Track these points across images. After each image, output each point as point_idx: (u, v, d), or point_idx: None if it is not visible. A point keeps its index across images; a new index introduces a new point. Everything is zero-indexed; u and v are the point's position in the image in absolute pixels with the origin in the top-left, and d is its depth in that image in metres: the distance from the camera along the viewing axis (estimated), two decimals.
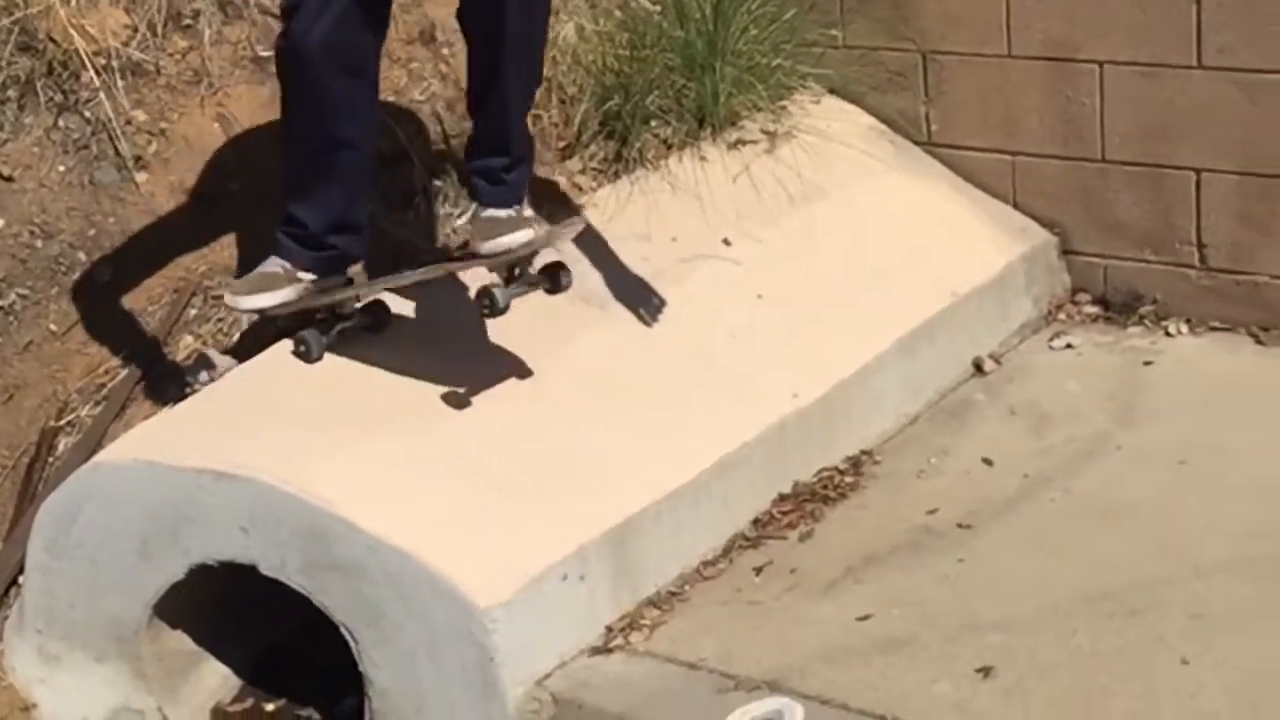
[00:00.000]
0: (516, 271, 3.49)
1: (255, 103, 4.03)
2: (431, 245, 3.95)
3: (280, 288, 3.51)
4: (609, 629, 3.34)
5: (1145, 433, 3.84)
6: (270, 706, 3.57)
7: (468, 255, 3.57)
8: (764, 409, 3.71)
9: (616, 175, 4.16)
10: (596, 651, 3.29)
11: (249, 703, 3.59)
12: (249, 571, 3.33)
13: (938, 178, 4.50)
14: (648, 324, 3.79)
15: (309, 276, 3.54)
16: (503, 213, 3.47)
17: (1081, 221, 4.40)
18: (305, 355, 3.53)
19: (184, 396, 3.57)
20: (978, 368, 4.22)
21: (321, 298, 3.57)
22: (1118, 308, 4.38)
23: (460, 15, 3.49)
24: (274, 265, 3.53)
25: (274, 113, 4.01)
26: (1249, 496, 3.51)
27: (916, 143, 4.57)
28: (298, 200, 3.53)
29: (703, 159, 4.26)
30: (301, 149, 3.52)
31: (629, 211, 4.07)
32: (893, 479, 3.81)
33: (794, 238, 4.14)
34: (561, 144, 4.17)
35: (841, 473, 3.82)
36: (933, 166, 4.54)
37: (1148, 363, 4.14)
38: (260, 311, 3.54)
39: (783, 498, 3.71)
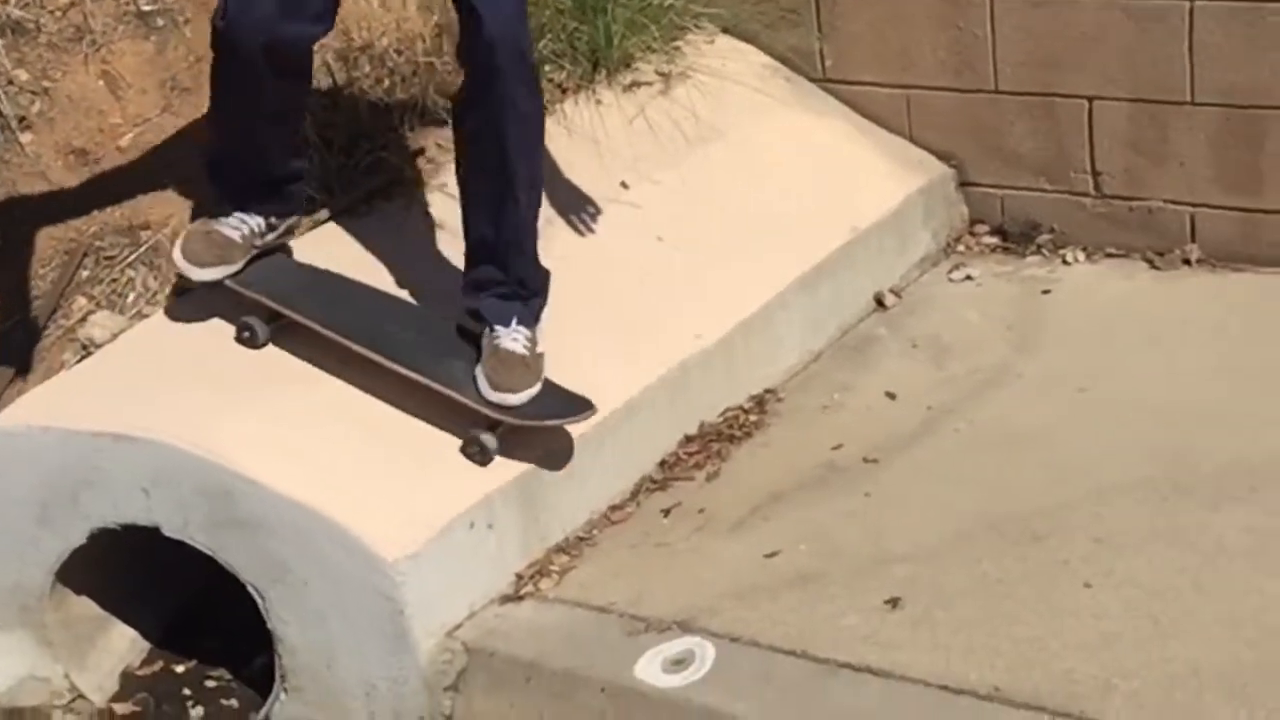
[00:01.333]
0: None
1: (140, 59, 3.96)
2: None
3: (237, 260, 3.40)
4: (519, 576, 3.34)
5: (1045, 360, 3.88)
6: (180, 669, 3.54)
7: (476, 391, 3.30)
8: (666, 351, 3.71)
9: None
10: (507, 600, 3.29)
11: (158, 666, 3.56)
12: (154, 534, 3.29)
13: (834, 114, 4.50)
14: (553, 269, 3.78)
15: (261, 234, 3.43)
16: (516, 347, 3.31)
17: (977, 153, 4.42)
18: (250, 341, 3.42)
19: (79, 360, 3.52)
20: (879, 302, 4.24)
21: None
22: (1015, 238, 4.41)
23: (457, 135, 3.40)
24: (226, 228, 3.40)
25: (160, 68, 3.96)
26: (1147, 420, 3.55)
27: (812, 80, 4.56)
28: (231, 159, 3.41)
29: (598, 102, 4.24)
30: (229, 124, 3.39)
31: None
32: (797, 416, 3.83)
33: (692, 179, 4.12)
34: (453, 90, 4.12)
35: (746, 412, 3.83)
36: (828, 103, 4.54)
37: (1046, 291, 4.18)
38: (215, 282, 3.41)
39: (689, 439, 3.71)
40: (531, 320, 3.39)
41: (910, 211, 4.34)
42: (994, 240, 4.44)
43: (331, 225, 3.76)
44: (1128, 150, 4.19)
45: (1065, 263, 4.29)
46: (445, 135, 3.93)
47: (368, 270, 3.64)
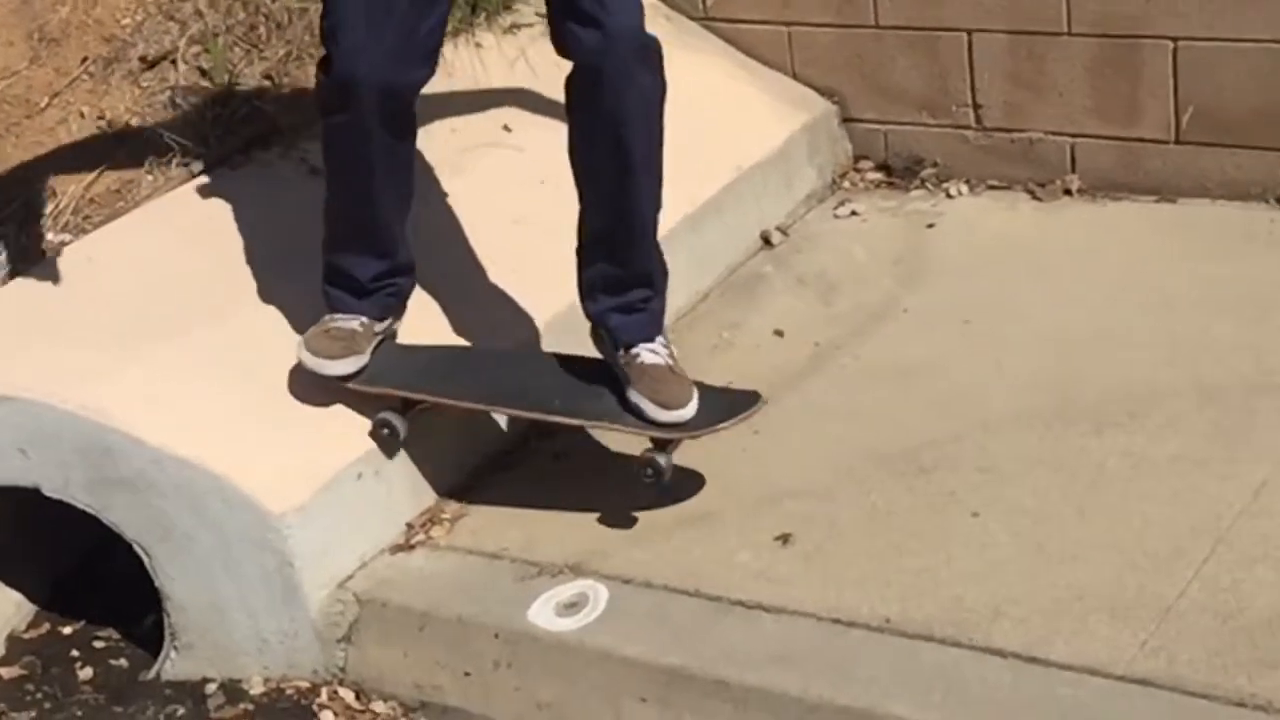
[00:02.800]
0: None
1: (6, 9, 3.87)
2: None
3: (364, 349, 3.24)
4: (410, 525, 3.32)
5: (931, 294, 3.90)
6: (68, 630, 3.49)
7: (637, 417, 3.16)
8: (552, 295, 3.68)
9: None
10: (398, 549, 3.27)
11: (45, 628, 3.50)
12: (35, 495, 3.23)
13: (716, 52, 4.48)
14: (432, 216, 3.74)
15: (376, 324, 3.30)
16: (659, 359, 3.18)
17: (860, 88, 4.42)
18: (392, 438, 3.24)
19: None
20: (765, 240, 4.24)
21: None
22: (899, 172, 4.42)
23: (574, 154, 3.21)
24: (346, 320, 3.26)
25: (26, 19, 3.87)
26: (1031, 350, 3.58)
27: (693, 18, 4.54)
28: (342, 253, 3.28)
29: (478, 45, 4.19)
30: (345, 201, 3.25)
31: None
32: (686, 355, 3.79)
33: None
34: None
35: None
36: (711, 41, 4.52)
37: (930, 225, 4.20)
38: (350, 377, 3.24)
39: None
40: (660, 324, 3.26)
41: (794, 149, 4.34)
42: (878, 176, 4.45)
43: (208, 177, 3.70)
44: (1007, 83, 4.21)
45: (949, 196, 4.31)
46: None
47: (249, 222, 3.58)
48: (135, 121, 3.79)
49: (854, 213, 4.32)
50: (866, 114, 4.44)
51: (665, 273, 3.31)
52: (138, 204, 3.63)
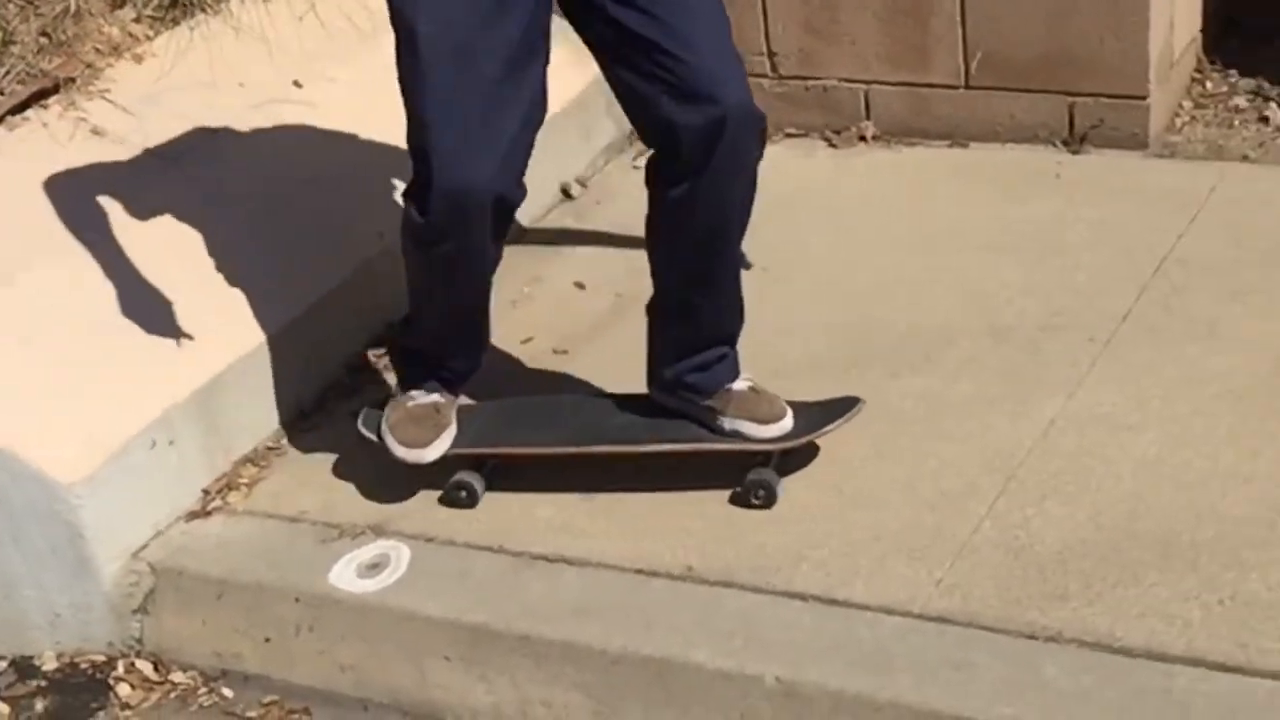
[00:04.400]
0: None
1: None
2: None
3: (450, 420, 3.11)
4: (206, 492, 3.25)
5: None
6: None
7: (738, 439, 3.03)
8: (350, 252, 3.63)
9: (175, 22, 3.96)
10: (194, 516, 3.21)
11: None
12: None
13: None
14: (222, 175, 3.65)
15: (450, 387, 3.16)
16: (744, 385, 3.05)
17: None
18: (470, 500, 3.12)
19: None
20: (565, 192, 4.22)
21: None
22: None
23: (663, 230, 2.99)
24: (423, 397, 3.12)
25: None
26: (827, 296, 3.62)
27: None
28: (443, 350, 3.13)
29: None
30: (444, 312, 3.08)
31: (191, 59, 3.88)
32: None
33: (368, 75, 4.01)
34: None
35: None
36: None
37: None
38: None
39: (377, 340, 3.64)
40: (738, 364, 3.11)
41: (592, 99, 4.30)
42: None
43: None
44: (801, 31, 4.23)
45: None
46: (103, 38, 3.77)
47: (28, 183, 3.46)
48: None
49: None
50: None
51: (743, 321, 3.12)
52: None
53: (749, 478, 3.02)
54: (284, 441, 3.39)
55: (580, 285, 3.85)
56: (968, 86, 4.10)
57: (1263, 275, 3.45)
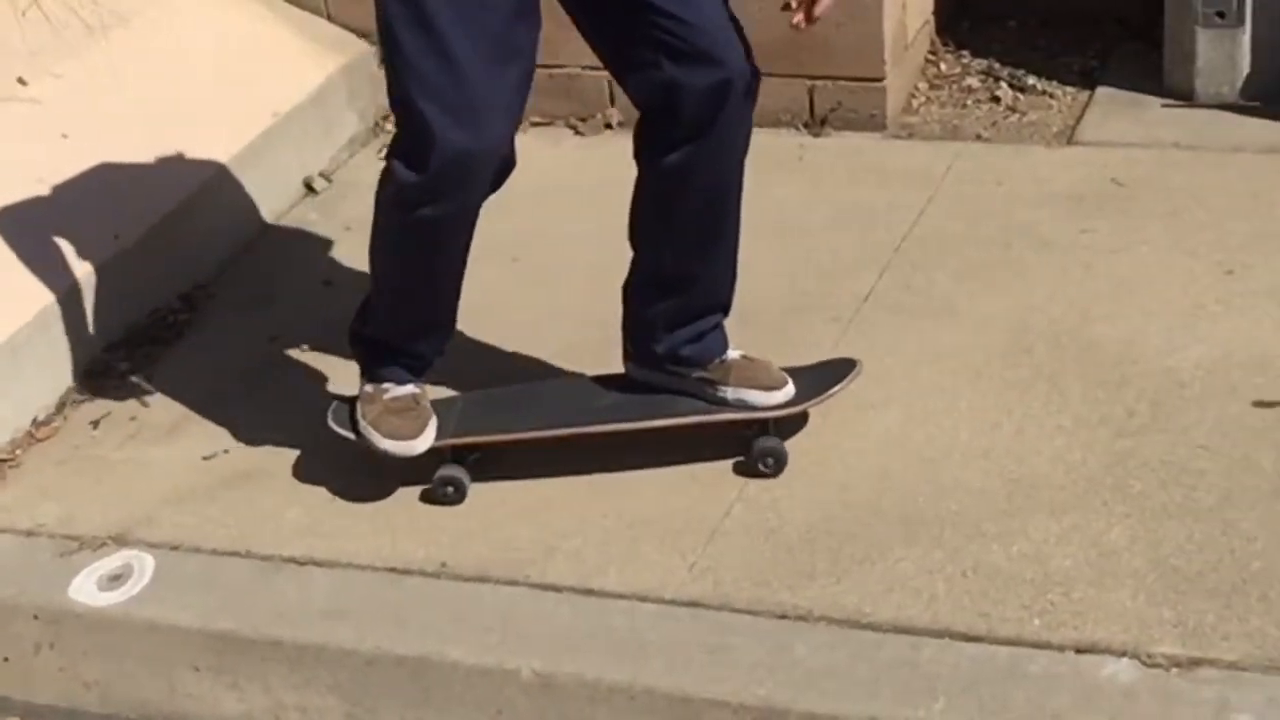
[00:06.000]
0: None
1: None
2: None
3: (430, 411, 2.97)
4: None
5: (479, 233, 3.85)
6: None
7: (742, 409, 2.98)
8: (83, 255, 3.51)
9: None
10: None
11: None
12: None
13: None
14: None
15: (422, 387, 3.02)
16: (737, 354, 3.01)
17: None
18: (458, 495, 2.99)
19: None
20: (309, 187, 4.14)
21: None
22: None
23: (653, 200, 2.93)
24: (399, 389, 2.97)
25: None
26: (579, 285, 3.61)
27: None
28: (406, 335, 2.99)
29: None
30: (413, 289, 2.95)
31: None
32: (231, 310, 3.71)
33: (97, 71, 3.90)
34: None
35: (176, 311, 3.68)
36: None
37: None
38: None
39: (114, 345, 3.54)
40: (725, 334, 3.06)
41: (333, 92, 4.24)
42: None
43: None
44: (544, 18, 4.19)
45: None
46: None
47: None
48: None
49: None
50: None
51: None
52: None
53: (756, 446, 2.96)
54: (19, 452, 3.26)
55: (328, 282, 3.78)
56: None
57: (996, 253, 3.54)
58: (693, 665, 2.58)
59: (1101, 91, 4.15)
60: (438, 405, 3.05)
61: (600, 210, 3.90)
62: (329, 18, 4.37)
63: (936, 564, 2.70)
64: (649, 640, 2.64)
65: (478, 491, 3.00)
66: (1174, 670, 2.45)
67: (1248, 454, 2.85)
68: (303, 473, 3.11)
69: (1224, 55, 3.96)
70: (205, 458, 3.18)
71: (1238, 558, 2.63)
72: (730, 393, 2.99)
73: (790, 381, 2.99)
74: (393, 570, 2.86)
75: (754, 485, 2.93)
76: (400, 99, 2.73)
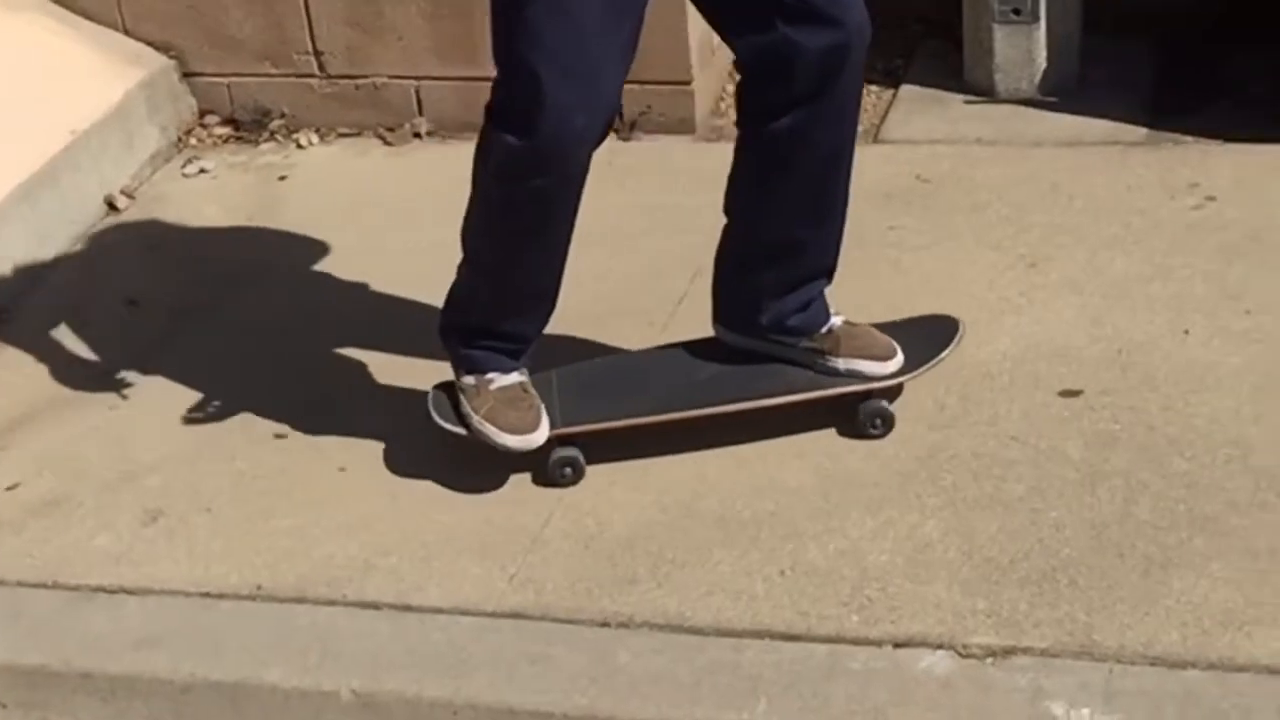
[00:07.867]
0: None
1: None
2: None
3: (538, 402, 2.87)
4: None
5: (289, 249, 3.81)
6: None
7: (855, 379, 2.93)
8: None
9: None
10: None
11: None
12: None
13: (36, 10, 4.22)
14: None
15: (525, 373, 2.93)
16: (840, 320, 2.94)
17: (198, 41, 4.28)
18: (575, 476, 2.92)
19: None
20: (110, 205, 4.04)
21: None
22: (247, 126, 4.31)
23: (763, 166, 2.82)
24: (504, 379, 2.88)
25: None
26: (397, 296, 3.55)
27: None
28: (508, 317, 2.88)
29: None
30: (517, 266, 2.82)
31: None
32: (32, 334, 3.60)
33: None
34: None
35: None
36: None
37: (283, 177, 4.12)
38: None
39: None
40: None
41: (132, 108, 4.15)
42: (226, 130, 4.33)
43: None
44: (347, 28, 4.17)
45: (299, 147, 4.24)
46: None
47: None
48: None
49: (203, 170, 4.19)
50: (207, 68, 4.31)
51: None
52: None
53: (863, 409, 2.93)
54: None
55: (133, 302, 3.69)
56: None
57: None
58: (515, 677, 2.56)
59: (905, 89, 4.21)
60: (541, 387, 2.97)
61: (409, 221, 3.90)
62: (126, 32, 4.28)
63: (755, 564, 2.71)
64: (470, 654, 2.62)
65: (293, 510, 2.96)
66: (989, 660, 2.49)
67: (1055, 444, 2.91)
68: (113, 497, 3.03)
69: (1021, 51, 4.04)
70: (9, 488, 3.09)
71: (1047, 546, 2.68)
72: (842, 363, 2.94)
73: (899, 350, 2.95)
74: (206, 595, 2.81)
75: (572, 492, 2.92)
76: (508, 62, 2.63)
